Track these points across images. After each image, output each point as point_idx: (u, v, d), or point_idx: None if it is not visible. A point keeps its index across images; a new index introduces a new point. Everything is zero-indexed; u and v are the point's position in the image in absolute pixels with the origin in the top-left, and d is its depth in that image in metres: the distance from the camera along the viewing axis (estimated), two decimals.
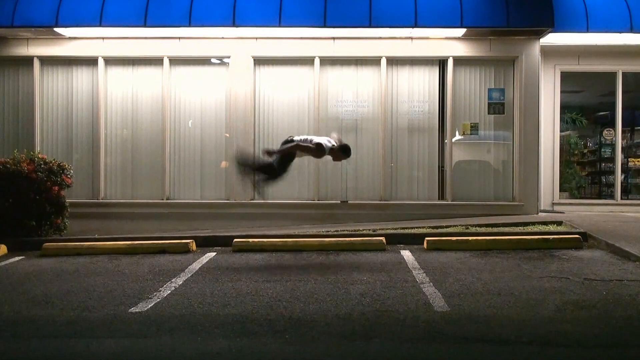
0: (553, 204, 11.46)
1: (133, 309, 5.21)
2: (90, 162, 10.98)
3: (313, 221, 10.46)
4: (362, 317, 4.86)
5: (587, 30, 10.16)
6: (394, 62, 10.87)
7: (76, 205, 9.86)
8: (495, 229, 9.06)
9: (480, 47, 10.68)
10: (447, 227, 9.30)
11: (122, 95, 11.04)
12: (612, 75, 11.46)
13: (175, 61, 10.94)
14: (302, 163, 10.88)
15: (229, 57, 10.83)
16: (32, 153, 9.44)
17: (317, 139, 7.21)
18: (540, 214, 10.60)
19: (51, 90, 11.09)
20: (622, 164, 11.63)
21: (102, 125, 10.94)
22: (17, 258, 7.94)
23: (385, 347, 4.16)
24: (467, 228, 9.20)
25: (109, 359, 4.06)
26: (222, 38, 10.66)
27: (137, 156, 11.04)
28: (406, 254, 7.72)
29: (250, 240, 8.23)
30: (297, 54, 10.77)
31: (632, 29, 10.12)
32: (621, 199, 11.53)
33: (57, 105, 11.09)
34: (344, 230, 9.22)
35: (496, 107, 10.90)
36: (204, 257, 7.66)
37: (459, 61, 10.80)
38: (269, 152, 7.39)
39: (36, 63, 10.95)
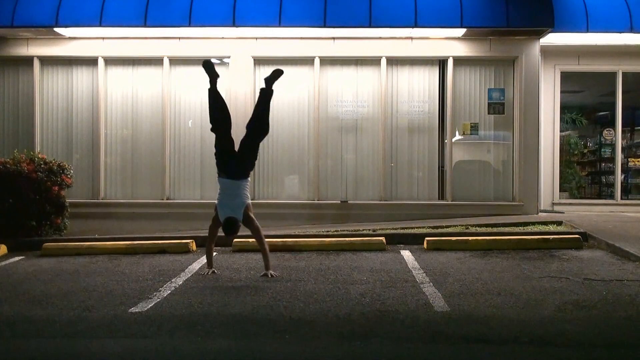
0: (553, 204, 11.46)
1: (133, 309, 5.21)
2: (90, 162, 10.98)
3: (313, 221, 10.46)
4: (362, 317, 4.86)
5: (587, 30, 10.16)
6: (394, 62, 10.87)
7: (76, 205, 9.86)
8: (495, 229, 9.06)
9: (480, 47, 10.68)
10: (447, 227, 9.30)
11: (122, 95, 11.04)
12: (612, 75, 11.46)
13: (175, 61, 10.94)
14: (302, 163, 10.91)
15: (229, 57, 10.83)
16: (32, 153, 9.44)
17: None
18: (540, 214, 10.60)
19: (51, 90, 11.09)
20: (622, 164, 11.63)
21: (102, 125, 10.94)
22: (17, 258, 7.94)
23: (385, 347, 4.16)
24: (467, 228, 9.20)
25: (109, 359, 4.06)
26: (222, 38, 10.66)
27: (137, 156, 11.04)
28: (406, 254, 7.72)
29: (250, 240, 8.17)
30: (297, 54, 10.77)
31: (632, 29, 10.12)
32: (621, 199, 11.53)
33: (57, 105, 11.09)
34: (344, 230, 9.22)
35: (496, 107, 10.90)
36: (204, 257, 7.65)
37: (459, 61, 10.80)
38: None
39: (36, 63, 10.95)
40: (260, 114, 6.94)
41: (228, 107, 7.13)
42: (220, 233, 6.71)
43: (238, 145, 6.77)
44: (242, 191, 6.61)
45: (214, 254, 7.46)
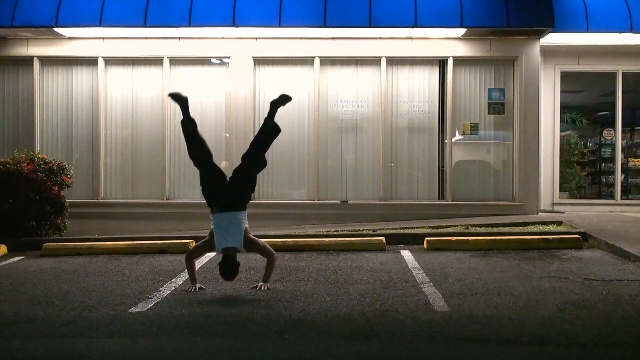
0: (553, 204, 11.45)
1: (133, 309, 5.21)
2: (90, 162, 10.98)
3: (313, 221, 10.46)
4: (362, 317, 4.86)
5: (587, 30, 10.16)
6: (394, 62, 10.87)
7: (76, 205, 9.86)
8: (495, 229, 9.06)
9: (480, 47, 10.68)
10: (447, 227, 9.30)
11: (122, 95, 11.04)
12: (612, 75, 11.47)
13: (175, 61, 10.94)
14: (302, 163, 10.91)
15: (229, 57, 10.83)
16: (32, 153, 9.45)
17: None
18: (540, 214, 10.60)
19: (51, 90, 11.09)
20: (622, 164, 11.63)
21: (102, 125, 10.94)
22: (17, 258, 7.94)
23: (385, 347, 4.16)
24: (467, 228, 9.20)
25: (109, 359, 4.06)
26: (222, 38, 10.66)
27: (137, 156, 11.04)
28: (406, 254, 7.72)
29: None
30: (297, 54, 10.77)
31: (632, 29, 10.12)
32: (621, 199, 11.54)
33: (57, 105, 11.09)
34: (344, 230, 9.22)
35: (496, 107, 10.90)
36: (204, 257, 7.64)
37: (459, 61, 10.80)
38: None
39: (36, 63, 10.95)
40: (257, 151, 6.13)
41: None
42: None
43: (231, 174, 6.04)
44: (240, 218, 5.84)
45: (214, 254, 7.42)
